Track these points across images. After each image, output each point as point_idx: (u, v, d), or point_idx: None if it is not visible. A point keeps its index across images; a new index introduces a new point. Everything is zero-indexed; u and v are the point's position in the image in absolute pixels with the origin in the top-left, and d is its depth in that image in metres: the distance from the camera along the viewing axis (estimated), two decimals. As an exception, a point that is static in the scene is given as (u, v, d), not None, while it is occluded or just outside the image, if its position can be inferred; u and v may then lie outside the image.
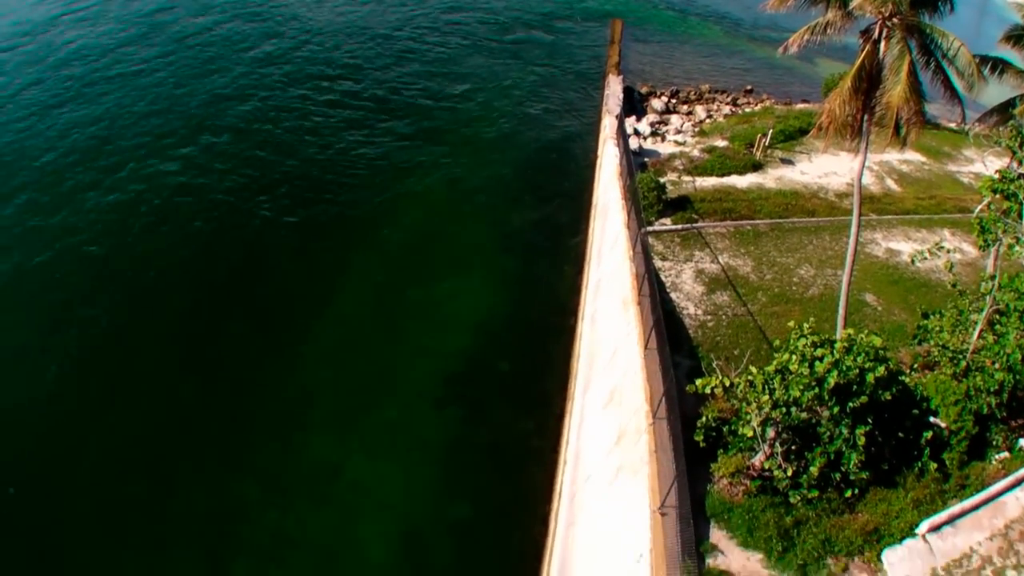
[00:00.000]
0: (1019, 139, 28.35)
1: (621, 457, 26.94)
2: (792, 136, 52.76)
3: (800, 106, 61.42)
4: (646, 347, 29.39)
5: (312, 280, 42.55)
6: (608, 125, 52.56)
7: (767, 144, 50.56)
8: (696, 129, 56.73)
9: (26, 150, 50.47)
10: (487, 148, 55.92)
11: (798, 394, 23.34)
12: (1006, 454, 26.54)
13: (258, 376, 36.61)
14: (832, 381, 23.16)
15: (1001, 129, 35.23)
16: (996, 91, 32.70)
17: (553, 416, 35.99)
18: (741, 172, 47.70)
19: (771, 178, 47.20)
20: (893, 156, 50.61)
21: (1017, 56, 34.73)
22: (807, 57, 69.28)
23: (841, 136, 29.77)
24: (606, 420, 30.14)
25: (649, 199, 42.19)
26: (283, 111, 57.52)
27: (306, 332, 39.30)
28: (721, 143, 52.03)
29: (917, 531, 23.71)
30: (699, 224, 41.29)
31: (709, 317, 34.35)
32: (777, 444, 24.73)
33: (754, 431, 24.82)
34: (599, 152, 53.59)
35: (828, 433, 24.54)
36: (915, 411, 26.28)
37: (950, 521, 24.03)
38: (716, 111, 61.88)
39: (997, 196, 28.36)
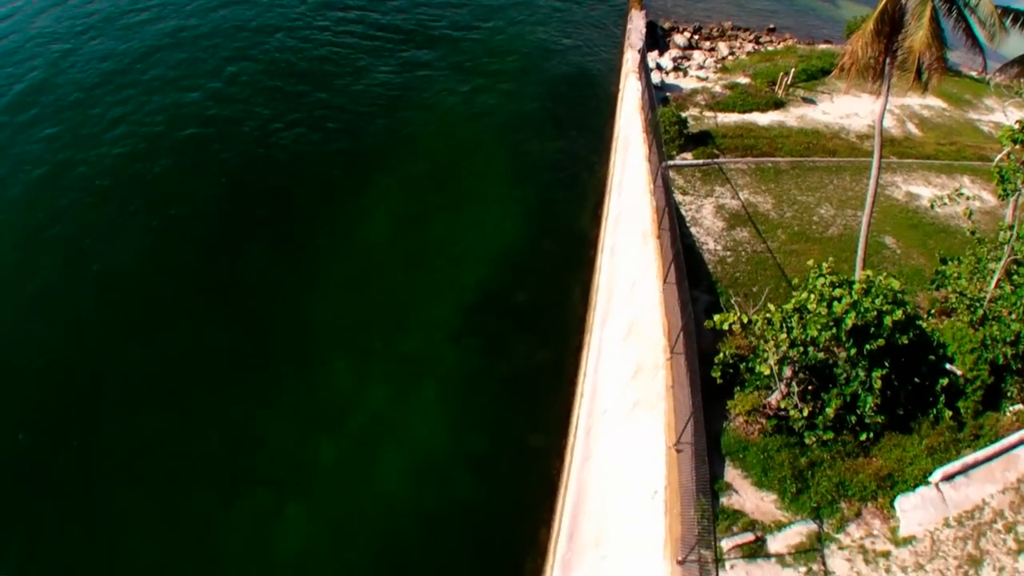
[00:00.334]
0: None
1: (638, 391, 25.93)
2: (814, 76, 50.78)
3: (822, 47, 59.07)
4: (665, 281, 28.28)
5: (331, 211, 41.31)
6: (630, 59, 50.81)
7: (789, 83, 48.66)
8: (718, 66, 54.67)
9: (51, 85, 48.95)
10: (509, 80, 53.97)
11: (815, 334, 22.42)
12: (1020, 406, 25.66)
13: (276, 308, 35.64)
14: (850, 322, 22.24)
15: (1022, 81, 33.79)
16: (1018, 43, 31.10)
17: (571, 349, 34.93)
18: (763, 109, 45.99)
19: (792, 117, 45.45)
20: (914, 100, 48.80)
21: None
22: (830, -2, 66.44)
23: (863, 78, 28.67)
24: (624, 354, 29.08)
25: (671, 133, 40.66)
26: (306, 43, 55.59)
27: (325, 264, 38.20)
28: (743, 80, 50.09)
29: (931, 479, 23.01)
30: (720, 159, 39.75)
31: (728, 253, 33.04)
32: (794, 383, 23.88)
33: (771, 369, 23.88)
34: (621, 85, 51.91)
35: (845, 375, 23.70)
36: (931, 357, 25.37)
37: (964, 471, 23.32)
38: (738, 48, 59.58)
39: (1017, 146, 27.65)
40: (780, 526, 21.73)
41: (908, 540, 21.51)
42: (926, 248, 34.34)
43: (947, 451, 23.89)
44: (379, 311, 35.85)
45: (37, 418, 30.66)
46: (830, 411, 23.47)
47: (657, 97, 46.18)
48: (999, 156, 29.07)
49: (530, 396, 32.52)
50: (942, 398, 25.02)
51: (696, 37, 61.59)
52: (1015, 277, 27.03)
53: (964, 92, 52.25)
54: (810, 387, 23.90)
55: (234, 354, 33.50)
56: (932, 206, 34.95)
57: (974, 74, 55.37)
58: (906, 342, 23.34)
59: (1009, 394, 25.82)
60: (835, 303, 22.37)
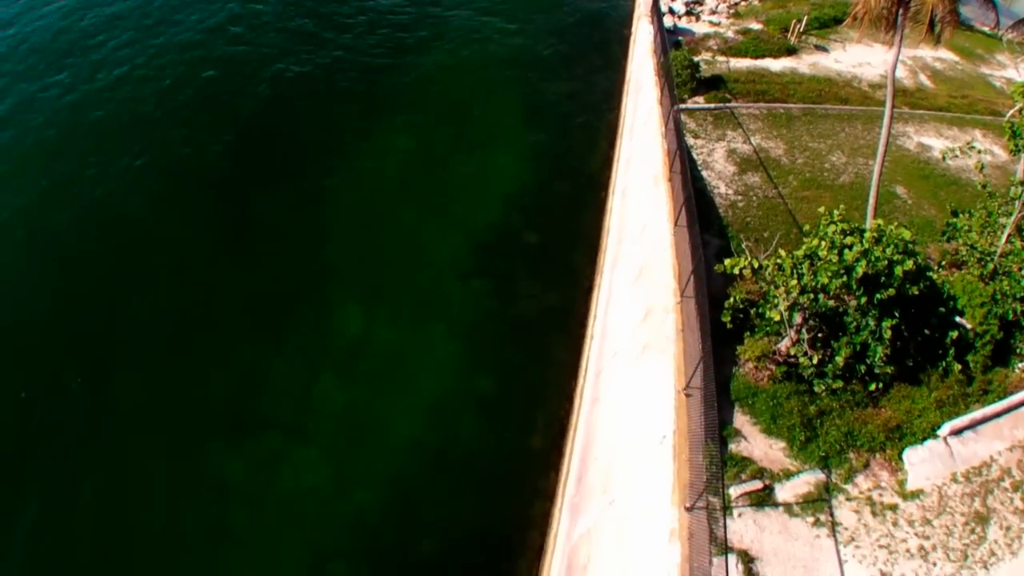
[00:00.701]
0: None
1: (648, 334, 24.67)
2: (827, 24, 48.64)
3: (835, -5, 56.69)
4: (676, 224, 26.83)
5: (342, 153, 39.75)
6: (643, 2, 48.74)
7: (802, 30, 46.66)
8: (731, 11, 52.38)
9: (57, 30, 47.10)
10: (521, 21, 51.81)
11: (826, 281, 21.32)
12: (1029, 364, 24.46)
13: (286, 250, 34.36)
14: (860, 270, 21.13)
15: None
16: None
17: (581, 290, 33.56)
18: (775, 56, 44.07)
19: (805, 64, 43.51)
20: (927, 52, 46.74)
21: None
22: (845, -54, 63.70)
23: (875, 28, 27.71)
24: (634, 296, 27.78)
25: (683, 77, 38.92)
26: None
27: (335, 206, 36.79)
28: (756, 26, 48.00)
29: (939, 433, 22.05)
30: (732, 104, 38.01)
31: (740, 197, 31.57)
32: (804, 330, 22.82)
33: (781, 315, 22.89)
34: (633, 29, 49.82)
35: (855, 323, 22.63)
36: (941, 309, 24.25)
37: (972, 426, 22.36)
38: (752, -6, 57.19)
39: (1029, 102, 26.54)
40: (788, 475, 20.70)
41: (916, 494, 20.54)
42: (937, 200, 32.86)
43: (956, 405, 22.93)
44: (389, 252, 34.58)
45: (47, 363, 29.50)
46: (840, 359, 22.50)
47: (669, 41, 44.32)
48: (1011, 112, 28.10)
49: (540, 338, 31.32)
50: (951, 351, 23.98)
51: (709, -18, 59.19)
52: (1025, 233, 25.81)
53: (976, 47, 50.05)
54: (820, 335, 22.87)
55: (243, 296, 32.28)
56: (944, 158, 33.49)
57: (986, 29, 53.08)
58: (916, 293, 22.29)
59: (1018, 350, 24.67)
60: (846, 251, 21.35)
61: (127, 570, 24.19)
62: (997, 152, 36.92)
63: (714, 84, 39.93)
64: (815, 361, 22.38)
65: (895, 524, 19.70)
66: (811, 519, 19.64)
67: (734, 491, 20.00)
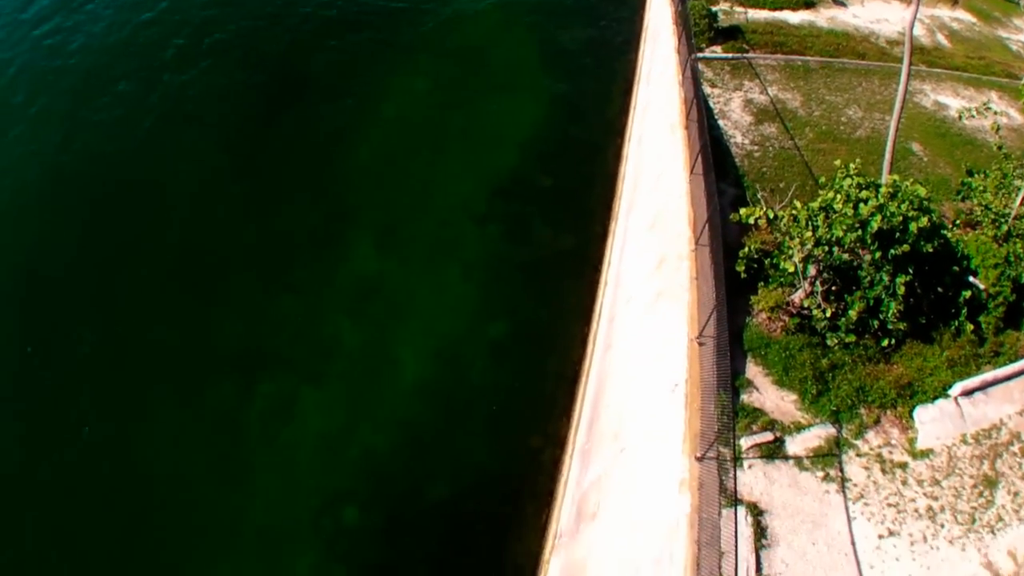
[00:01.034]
0: None
1: (662, 282, 23.60)
2: (846, -21, 46.69)
3: (854, -51, 54.49)
4: (692, 172, 25.59)
5: (358, 96, 38.24)
6: (662, -50, 46.62)
7: (820, -17, 44.71)
8: (750, -38, 50.42)
9: None
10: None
11: (841, 234, 20.39)
12: (1042, 327, 23.38)
13: (299, 190, 33.16)
14: (875, 225, 20.17)
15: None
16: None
17: (596, 236, 32.29)
18: (794, 8, 42.20)
19: (823, 17, 41.67)
20: (944, 12, 44.93)
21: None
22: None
23: None
24: (648, 243, 26.63)
25: (700, 26, 37.26)
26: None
27: (350, 147, 35.45)
28: (775, -23, 46.00)
29: (950, 392, 21.10)
30: (750, 55, 36.37)
31: (756, 147, 30.21)
32: (818, 283, 21.82)
33: (795, 267, 21.75)
34: (652, -24, 47.63)
35: (869, 278, 21.59)
36: (955, 268, 23.16)
37: (982, 388, 21.44)
38: (770, -54, 55.02)
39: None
40: (799, 428, 19.77)
41: (925, 453, 19.63)
42: (952, 158, 31.47)
43: (967, 365, 21.94)
44: (404, 195, 33.39)
45: (59, 307, 28.55)
46: (853, 313, 21.48)
47: (687, -11, 42.51)
48: (1028, 75, 26.31)
49: (554, 282, 30.21)
50: (964, 310, 22.93)
51: (728, -69, 56.87)
52: (1040, 196, 24.63)
53: (994, 9, 48.06)
54: (834, 288, 21.87)
55: (256, 237, 31.19)
56: (960, 117, 31.97)
57: (1004, -8, 51.04)
58: (930, 250, 21.29)
59: (1031, 314, 23.54)
60: (861, 205, 20.37)
61: (137, 513, 23.38)
62: (1013, 115, 35.37)
63: (731, 34, 38.23)
64: (828, 314, 21.44)
65: (904, 483, 18.82)
66: (821, 474, 18.75)
67: (745, 442, 19.08)
